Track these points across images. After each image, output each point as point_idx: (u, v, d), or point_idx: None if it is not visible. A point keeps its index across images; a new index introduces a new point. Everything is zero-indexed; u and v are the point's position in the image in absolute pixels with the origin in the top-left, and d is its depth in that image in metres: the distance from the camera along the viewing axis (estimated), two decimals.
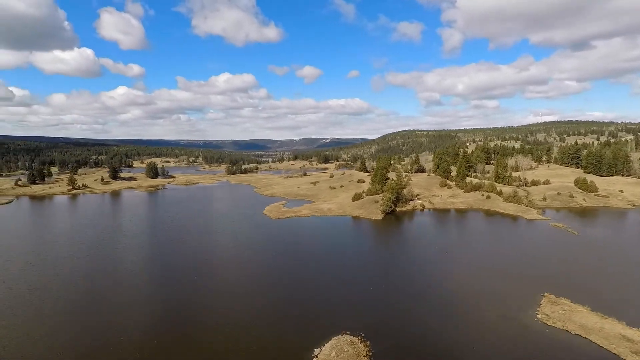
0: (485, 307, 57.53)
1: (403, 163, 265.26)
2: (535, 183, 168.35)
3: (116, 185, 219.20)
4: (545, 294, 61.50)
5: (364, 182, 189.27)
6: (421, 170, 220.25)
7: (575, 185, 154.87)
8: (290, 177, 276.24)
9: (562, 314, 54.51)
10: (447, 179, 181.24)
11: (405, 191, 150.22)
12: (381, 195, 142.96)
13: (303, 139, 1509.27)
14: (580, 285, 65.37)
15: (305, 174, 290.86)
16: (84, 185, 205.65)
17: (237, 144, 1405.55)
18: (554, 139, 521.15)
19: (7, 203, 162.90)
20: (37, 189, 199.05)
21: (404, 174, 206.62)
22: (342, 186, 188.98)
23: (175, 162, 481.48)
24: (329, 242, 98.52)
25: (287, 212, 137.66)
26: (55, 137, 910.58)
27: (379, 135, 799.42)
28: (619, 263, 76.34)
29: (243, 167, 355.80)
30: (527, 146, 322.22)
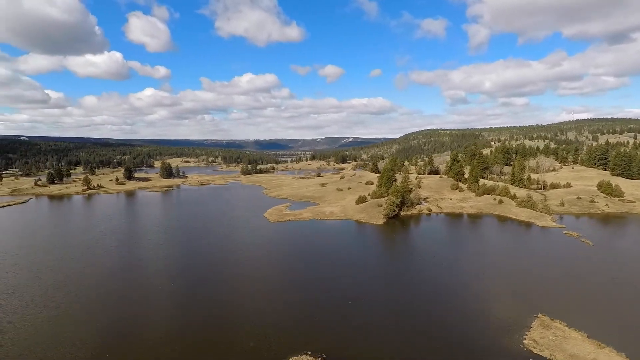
0: (469, 328, 52.23)
1: (417, 164, 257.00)
2: (554, 186, 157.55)
3: (130, 185, 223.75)
4: (539, 315, 55.36)
5: (372, 184, 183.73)
6: (435, 172, 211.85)
7: (598, 189, 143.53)
8: (302, 177, 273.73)
9: (553, 340, 48.46)
10: (460, 181, 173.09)
11: (412, 194, 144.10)
12: (385, 198, 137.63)
13: (325, 138, 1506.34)
14: (581, 306, 58.65)
15: (319, 175, 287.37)
16: (98, 186, 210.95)
17: (259, 143, 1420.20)
18: (586, 137, 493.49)
19: (22, 202, 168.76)
20: (55, 188, 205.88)
21: (416, 175, 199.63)
22: (349, 188, 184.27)
23: (195, 162, 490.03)
24: (319, 249, 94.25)
25: (287, 215, 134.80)
26: (86, 138, 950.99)
27: (402, 135, 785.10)
28: (631, 282, 68.29)
29: (258, 167, 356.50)
30: (551, 146, 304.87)
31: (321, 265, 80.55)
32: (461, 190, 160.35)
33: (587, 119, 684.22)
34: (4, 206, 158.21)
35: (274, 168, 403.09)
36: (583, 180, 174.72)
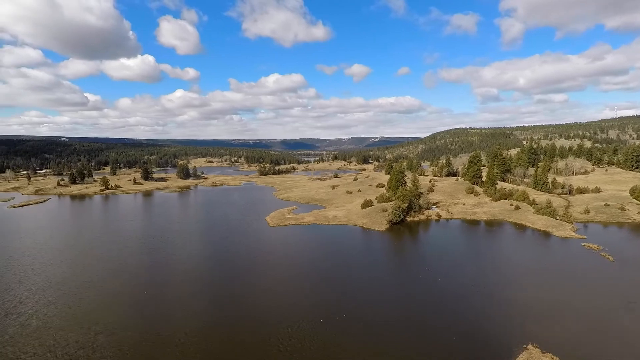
0: (450, 356, 45.99)
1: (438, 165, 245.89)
2: (581, 191, 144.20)
3: (146, 186, 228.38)
4: (530, 345, 48.17)
5: (383, 186, 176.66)
6: (453, 174, 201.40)
7: (631, 195, 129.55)
8: (318, 179, 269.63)
9: None
10: (477, 184, 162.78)
11: (421, 199, 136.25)
12: (391, 203, 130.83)
13: (351, 138, 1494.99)
14: (582, 337, 50.62)
15: (336, 176, 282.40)
16: (116, 186, 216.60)
17: (285, 143, 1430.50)
18: (630, 136, 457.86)
19: (41, 202, 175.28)
20: (75, 188, 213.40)
21: (430, 178, 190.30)
22: (359, 191, 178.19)
23: (219, 162, 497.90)
24: (307, 258, 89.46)
25: (288, 219, 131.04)
26: (121, 138, 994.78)
27: (430, 134, 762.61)
28: None
29: (277, 167, 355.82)
30: (586, 145, 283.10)
31: (303, 277, 75.90)
32: (477, 195, 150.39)
33: (632, 116, 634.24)
34: (22, 205, 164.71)
35: (293, 168, 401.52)
36: (616, 184, 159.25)
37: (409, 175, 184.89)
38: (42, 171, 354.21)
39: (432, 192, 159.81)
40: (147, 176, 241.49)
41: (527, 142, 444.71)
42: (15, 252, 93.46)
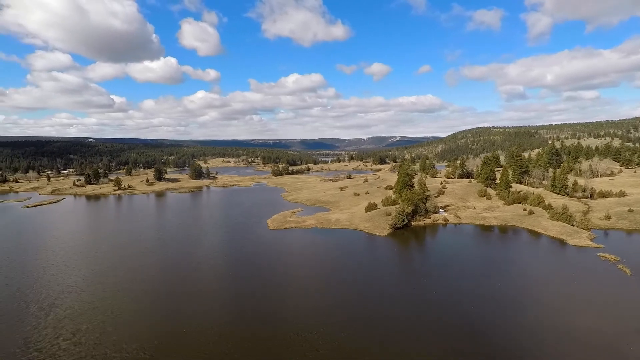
0: None
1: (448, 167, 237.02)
2: (604, 194, 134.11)
3: (158, 186, 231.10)
4: None
5: (392, 188, 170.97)
6: (467, 175, 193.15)
7: None
8: (330, 179, 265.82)
9: None
10: (490, 187, 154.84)
11: (428, 202, 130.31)
12: (395, 207, 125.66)
13: (371, 137, 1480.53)
14: None
15: (349, 177, 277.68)
16: (129, 186, 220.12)
17: (305, 143, 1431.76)
18: None
19: (54, 202, 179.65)
20: (90, 189, 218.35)
21: (442, 180, 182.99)
22: (367, 193, 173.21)
23: (235, 162, 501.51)
24: (293, 264, 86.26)
25: (289, 223, 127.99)
26: (144, 139, 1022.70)
27: (451, 134, 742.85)
28: None
29: (290, 168, 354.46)
30: (614, 145, 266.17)
31: (277, 289, 72.46)
32: (489, 198, 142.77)
33: None
34: (35, 205, 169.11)
35: (309, 169, 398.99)
36: None
37: (420, 176, 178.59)
38: (66, 171, 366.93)
39: (442, 195, 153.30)
40: (159, 177, 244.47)
41: (551, 141, 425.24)
42: (9, 253, 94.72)
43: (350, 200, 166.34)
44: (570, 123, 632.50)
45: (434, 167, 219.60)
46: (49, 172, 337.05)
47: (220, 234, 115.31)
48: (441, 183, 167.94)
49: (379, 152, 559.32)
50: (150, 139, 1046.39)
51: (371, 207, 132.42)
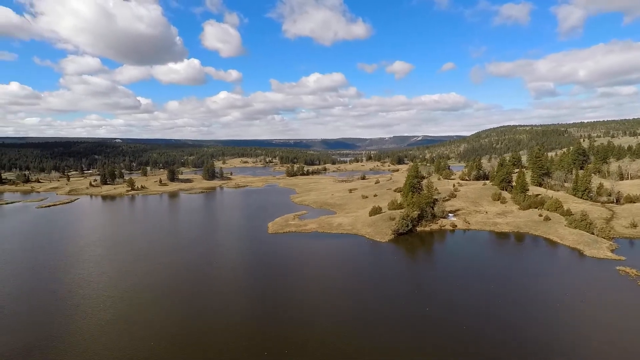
0: None
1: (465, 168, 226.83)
2: (631, 199, 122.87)
3: (171, 187, 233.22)
4: None
5: (401, 191, 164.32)
6: (484, 177, 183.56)
7: None
8: (343, 180, 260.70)
9: None
10: (505, 190, 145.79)
11: (436, 206, 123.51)
12: (400, 211, 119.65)
13: (393, 137, 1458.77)
14: None
15: (363, 177, 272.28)
16: (142, 187, 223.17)
17: (326, 142, 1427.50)
18: None
19: (68, 202, 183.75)
20: (105, 189, 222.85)
21: (455, 182, 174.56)
22: (375, 195, 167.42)
23: (253, 163, 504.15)
24: (284, 272, 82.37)
25: (290, 226, 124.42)
26: (169, 139, 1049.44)
27: (475, 132, 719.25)
28: None
29: (306, 168, 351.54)
30: None
31: (256, 301, 68.73)
32: (503, 202, 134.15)
33: None
34: (49, 206, 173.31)
35: (325, 169, 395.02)
36: None
37: (433, 178, 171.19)
38: (89, 171, 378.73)
39: (453, 198, 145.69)
40: (172, 177, 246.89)
41: (583, 140, 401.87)
42: (8, 254, 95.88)
43: (357, 202, 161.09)
44: (603, 120, 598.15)
45: (448, 168, 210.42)
46: (73, 172, 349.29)
47: (216, 239, 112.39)
48: (454, 185, 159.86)
49: (398, 151, 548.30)
50: (174, 139, 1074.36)
51: (375, 211, 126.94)
